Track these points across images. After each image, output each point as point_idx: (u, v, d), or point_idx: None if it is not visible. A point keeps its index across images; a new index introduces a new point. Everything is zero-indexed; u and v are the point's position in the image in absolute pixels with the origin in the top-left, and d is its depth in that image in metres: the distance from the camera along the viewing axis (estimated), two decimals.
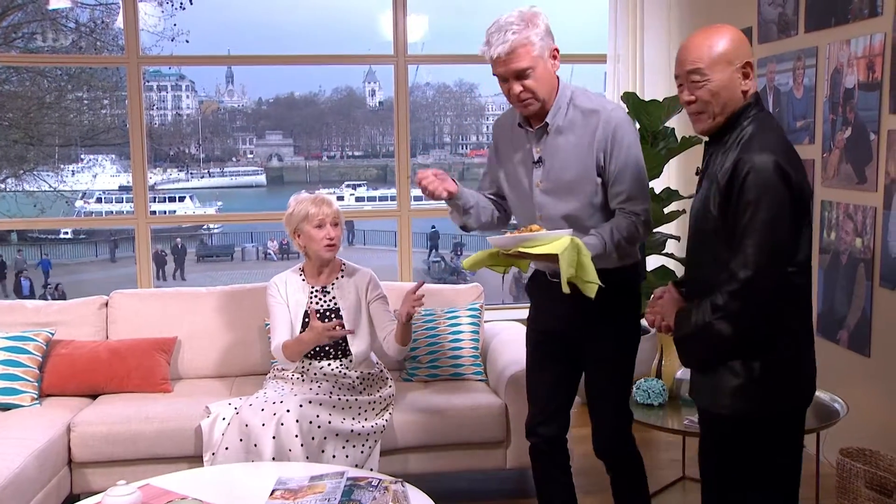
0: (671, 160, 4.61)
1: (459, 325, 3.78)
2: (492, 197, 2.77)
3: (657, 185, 4.65)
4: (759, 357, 2.07)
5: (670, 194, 4.53)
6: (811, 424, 2.87)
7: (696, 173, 2.25)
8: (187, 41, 13.50)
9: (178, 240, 21.43)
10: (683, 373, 3.31)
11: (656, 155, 4.44)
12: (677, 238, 4.66)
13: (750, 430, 2.12)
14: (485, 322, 3.91)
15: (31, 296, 16.55)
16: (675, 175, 4.93)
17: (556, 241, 2.28)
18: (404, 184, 5.29)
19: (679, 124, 4.57)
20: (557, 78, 2.50)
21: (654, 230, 4.61)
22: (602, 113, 2.47)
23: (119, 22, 12.57)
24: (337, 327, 3.08)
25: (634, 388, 3.29)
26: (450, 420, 3.40)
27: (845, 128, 3.68)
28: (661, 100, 4.46)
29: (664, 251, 4.64)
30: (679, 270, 4.53)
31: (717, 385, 2.12)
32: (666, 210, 4.57)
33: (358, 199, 27.02)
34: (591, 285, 2.31)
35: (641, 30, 5.01)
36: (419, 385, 3.66)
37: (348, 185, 30.18)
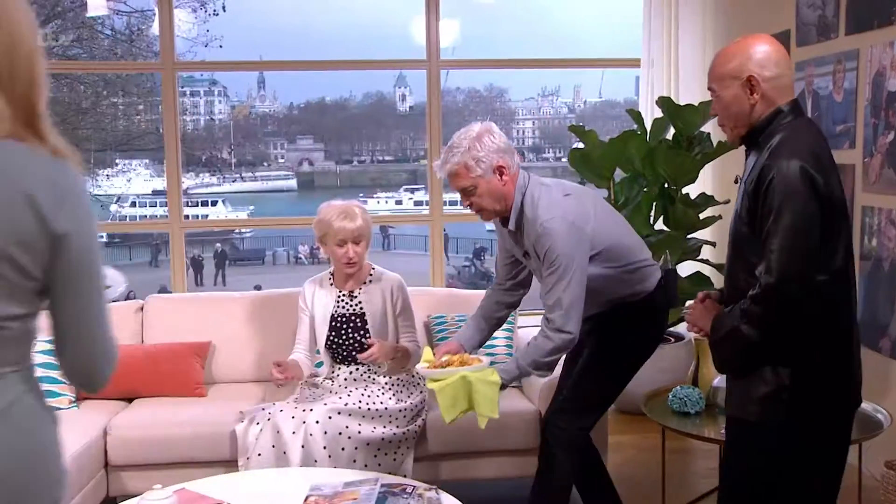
0: (707, 165, 4.56)
1: None
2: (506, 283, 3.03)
3: (693, 191, 4.61)
4: (789, 365, 2.06)
5: (706, 199, 4.48)
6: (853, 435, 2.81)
7: (735, 181, 2.26)
8: (220, 46, 13.63)
9: (219, 245, 21.67)
10: (720, 381, 3.26)
11: (692, 160, 4.40)
12: (713, 244, 4.60)
13: (777, 439, 2.09)
14: (518, 328, 3.89)
15: None
16: (711, 180, 4.87)
17: (443, 380, 2.60)
18: (436, 189, 5.28)
19: (715, 129, 4.52)
20: (513, 185, 2.72)
21: (689, 236, 4.57)
22: (535, 222, 2.68)
23: (154, 28, 12.75)
24: (276, 376, 3.13)
25: (670, 396, 3.25)
26: (477, 426, 3.37)
27: (888, 132, 3.61)
28: (696, 104, 4.41)
29: (699, 257, 4.59)
30: (714, 276, 4.48)
31: (746, 391, 2.12)
32: (701, 216, 4.52)
33: (398, 202, 27.04)
34: (482, 417, 2.63)
35: (676, 33, 4.96)
36: None
37: (384, 190, 30.28)
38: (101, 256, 1.51)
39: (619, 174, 4.75)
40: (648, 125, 4.68)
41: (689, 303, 2.36)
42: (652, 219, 4.68)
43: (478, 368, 2.69)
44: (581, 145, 4.77)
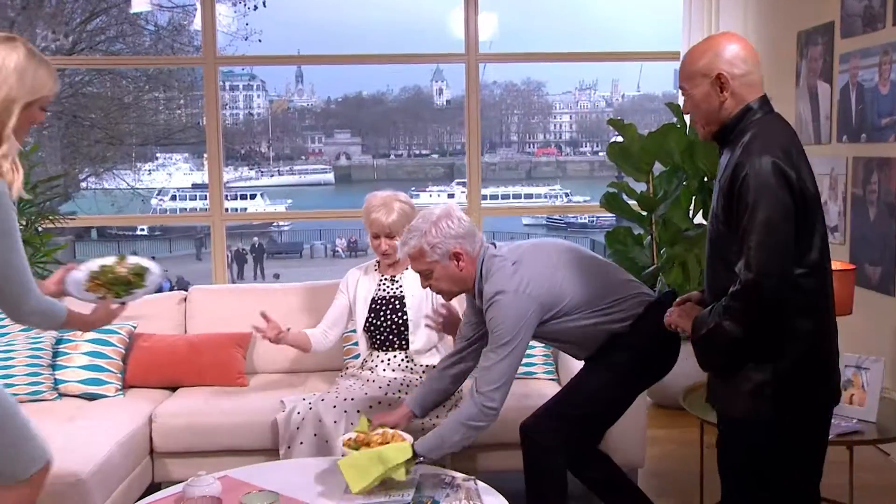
0: None
1: None
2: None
3: None
4: (770, 361, 2.08)
5: None
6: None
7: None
8: (259, 41, 13.79)
9: (256, 238, 21.90)
10: None
11: None
12: None
13: (765, 434, 2.12)
14: None
15: None
16: None
17: (349, 457, 2.57)
18: (475, 182, 5.30)
19: None
20: (472, 268, 2.73)
21: None
22: (485, 296, 2.69)
23: (194, 24, 12.92)
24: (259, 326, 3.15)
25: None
26: (520, 418, 3.38)
27: None
28: None
29: None
30: None
31: (733, 389, 2.14)
32: None
33: (450, 196, 27.03)
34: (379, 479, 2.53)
35: (717, 26, 4.92)
36: None
37: (436, 183, 30.35)
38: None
39: (658, 168, 4.73)
40: (688, 118, 4.65)
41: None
42: (691, 212, 4.65)
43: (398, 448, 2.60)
44: (620, 139, 4.76)
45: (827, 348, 2.15)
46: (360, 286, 3.45)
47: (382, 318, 3.38)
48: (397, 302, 3.38)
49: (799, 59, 4.58)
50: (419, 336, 3.36)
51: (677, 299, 2.37)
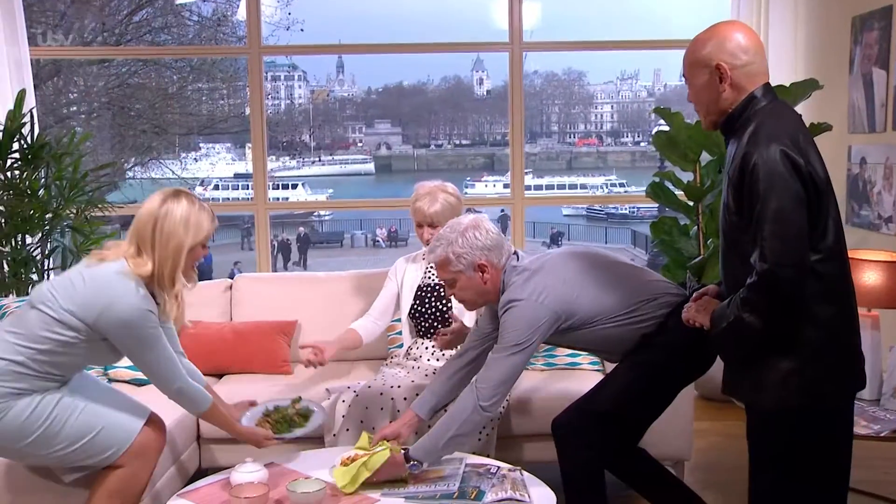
0: None
1: None
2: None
3: None
4: (793, 350, 2.08)
5: None
6: None
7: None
8: (302, 30, 13.84)
9: (301, 228, 22.06)
10: None
11: None
12: None
13: (792, 424, 2.11)
14: None
15: None
16: None
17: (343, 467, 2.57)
18: (518, 171, 5.27)
19: (808, 110, 4.39)
20: (498, 280, 2.72)
21: None
22: (501, 304, 2.69)
23: (238, 14, 13.03)
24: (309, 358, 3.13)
25: None
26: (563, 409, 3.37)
27: None
28: (787, 85, 4.28)
29: None
30: None
31: (757, 380, 2.13)
32: None
33: (505, 186, 26.98)
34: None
35: (766, 13, 4.81)
36: (535, 373, 3.63)
37: (497, 173, 30.28)
38: None
39: (705, 157, 4.66)
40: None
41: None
42: None
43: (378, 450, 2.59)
44: (664, 128, 4.69)
45: (849, 333, 2.14)
46: (407, 274, 3.48)
47: (427, 305, 3.40)
48: (441, 289, 3.37)
49: (853, 45, 4.47)
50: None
51: (694, 294, 2.35)
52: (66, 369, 2.51)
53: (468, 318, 3.22)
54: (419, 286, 3.43)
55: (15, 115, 4.13)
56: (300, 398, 2.88)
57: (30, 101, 4.42)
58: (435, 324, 3.39)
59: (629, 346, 2.74)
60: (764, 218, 1.98)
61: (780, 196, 1.97)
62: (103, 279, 2.44)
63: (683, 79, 2.25)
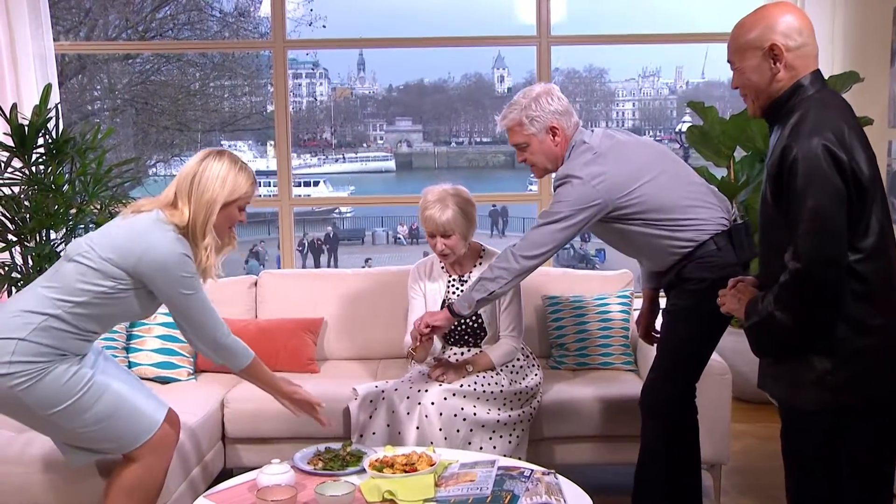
0: None
1: (609, 312, 3.64)
2: None
3: None
4: (830, 349, 2.00)
5: None
6: None
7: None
8: (324, 26, 13.79)
9: (330, 228, 22.07)
10: None
11: None
12: None
13: (829, 425, 2.04)
14: (635, 310, 3.76)
15: None
16: None
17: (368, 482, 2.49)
18: None
19: (853, 100, 4.26)
20: (566, 146, 2.82)
21: None
22: (557, 176, 2.82)
23: (260, 11, 13.01)
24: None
25: None
26: (598, 411, 3.29)
27: None
28: (826, 78, 4.15)
29: None
30: None
31: (793, 380, 2.06)
32: None
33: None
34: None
35: (803, 1, 4.68)
36: (567, 374, 3.56)
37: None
38: None
39: (739, 152, 4.56)
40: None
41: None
42: None
43: (422, 474, 2.49)
44: (686, 126, 4.61)
45: (891, 333, 2.04)
46: (428, 288, 3.33)
47: (457, 322, 3.23)
48: None
49: (894, 36, 4.34)
50: (489, 335, 3.27)
51: (730, 280, 2.25)
52: (103, 323, 2.52)
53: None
54: (444, 301, 3.27)
55: (40, 110, 4.09)
56: (351, 442, 2.88)
57: (55, 97, 4.38)
58: (465, 336, 3.27)
59: (666, 263, 2.80)
60: (800, 215, 1.91)
61: (818, 194, 1.90)
62: (141, 226, 2.47)
63: (730, 65, 2.15)
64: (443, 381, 3.05)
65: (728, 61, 2.14)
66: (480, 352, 3.23)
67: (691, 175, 2.89)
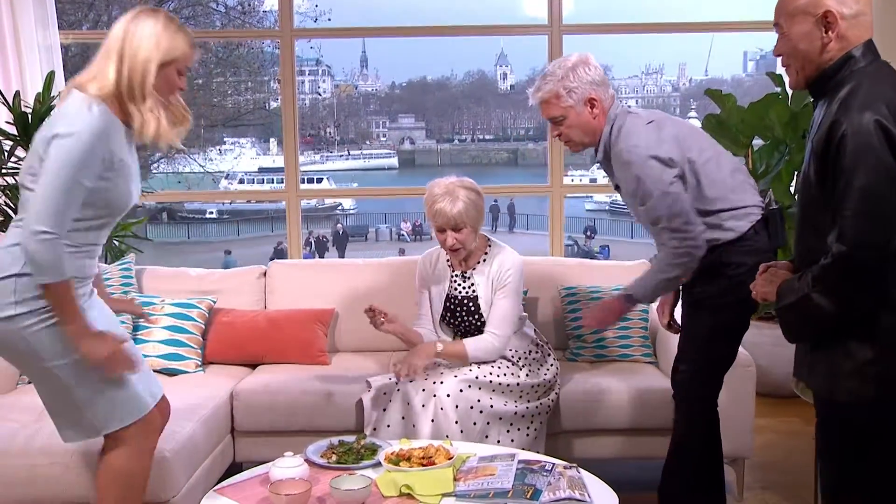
0: None
1: None
2: None
3: None
4: (871, 338, 1.89)
5: None
6: None
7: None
8: (329, 20, 13.74)
9: (339, 225, 22.05)
10: None
11: None
12: None
13: (868, 418, 1.94)
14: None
15: None
16: None
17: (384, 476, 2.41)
18: (556, 160, 5.10)
19: None
20: (604, 118, 2.66)
21: None
22: (618, 152, 2.62)
23: (264, 4, 12.96)
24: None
25: None
26: (617, 403, 3.21)
27: None
28: None
29: None
30: None
31: (831, 369, 1.96)
32: None
33: (592, 181, 26.38)
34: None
35: None
36: (585, 366, 3.47)
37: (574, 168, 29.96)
38: None
39: (757, 142, 4.48)
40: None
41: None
42: (793, 189, 4.38)
43: (440, 467, 2.41)
44: (696, 119, 4.51)
45: None
46: (432, 282, 3.24)
47: (460, 319, 3.17)
48: (471, 303, 3.15)
49: None
50: None
51: (762, 265, 2.16)
52: (90, 228, 2.28)
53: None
54: (447, 296, 3.19)
55: (44, 98, 4.03)
56: (365, 435, 2.80)
57: (59, 85, 4.32)
58: (471, 330, 3.17)
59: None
60: (848, 195, 1.80)
61: (868, 172, 1.78)
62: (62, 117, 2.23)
63: (776, 28, 2.01)
64: (411, 378, 2.95)
65: (774, 24, 2.01)
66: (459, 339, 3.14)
67: (733, 164, 2.76)
